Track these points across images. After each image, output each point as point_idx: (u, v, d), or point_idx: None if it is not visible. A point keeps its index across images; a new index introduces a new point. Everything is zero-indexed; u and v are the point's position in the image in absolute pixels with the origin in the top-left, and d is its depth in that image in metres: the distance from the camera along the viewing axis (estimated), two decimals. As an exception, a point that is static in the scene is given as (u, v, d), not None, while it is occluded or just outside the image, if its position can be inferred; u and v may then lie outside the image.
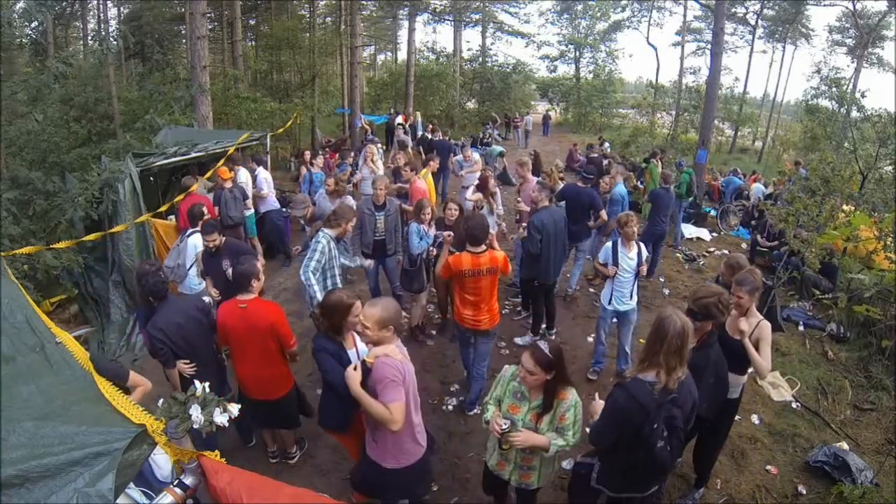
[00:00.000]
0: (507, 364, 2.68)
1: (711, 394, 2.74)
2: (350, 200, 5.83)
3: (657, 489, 2.64)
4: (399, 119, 15.66)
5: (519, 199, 6.18)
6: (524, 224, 5.24)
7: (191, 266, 4.63)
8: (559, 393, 2.40)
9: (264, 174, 7.01)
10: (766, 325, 2.96)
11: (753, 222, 8.90)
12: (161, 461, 2.20)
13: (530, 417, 2.43)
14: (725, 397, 2.96)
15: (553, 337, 5.31)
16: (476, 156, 8.10)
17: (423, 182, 6.41)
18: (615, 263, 4.31)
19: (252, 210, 6.75)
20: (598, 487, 2.55)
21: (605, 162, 12.17)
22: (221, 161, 6.45)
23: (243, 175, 6.70)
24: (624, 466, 2.38)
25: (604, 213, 5.87)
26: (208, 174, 6.02)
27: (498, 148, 13.11)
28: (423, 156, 12.03)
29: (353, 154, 9.86)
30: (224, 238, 4.34)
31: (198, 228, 4.60)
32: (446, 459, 3.70)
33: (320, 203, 5.62)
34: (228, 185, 6.03)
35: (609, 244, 4.43)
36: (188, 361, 3.15)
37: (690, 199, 8.89)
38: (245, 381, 3.25)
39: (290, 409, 3.41)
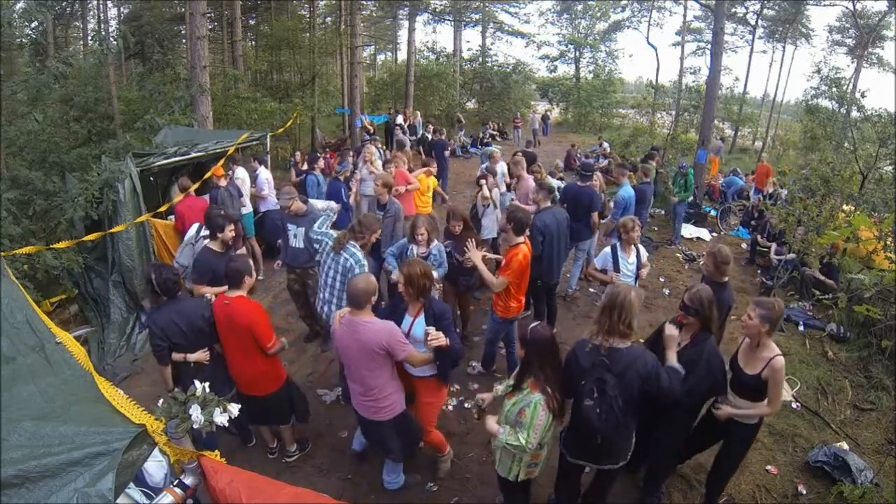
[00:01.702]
0: (505, 363, 2.77)
1: (703, 386, 2.79)
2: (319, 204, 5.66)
3: (619, 469, 2.71)
4: (400, 119, 15.66)
5: (513, 197, 6.17)
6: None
7: None
8: (531, 383, 2.48)
9: (265, 174, 7.00)
10: (779, 365, 2.74)
11: (753, 222, 8.90)
12: (152, 468, 2.20)
13: (507, 392, 2.65)
14: (720, 392, 2.96)
15: None
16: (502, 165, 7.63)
17: (408, 173, 6.38)
18: (616, 269, 4.25)
19: (251, 209, 6.75)
20: (562, 450, 2.76)
21: (606, 161, 12.20)
22: (221, 161, 6.45)
23: (241, 172, 6.70)
24: (574, 426, 2.62)
25: (595, 216, 5.88)
26: (195, 185, 5.97)
27: (492, 149, 13.11)
28: (423, 156, 12.08)
29: (352, 154, 9.86)
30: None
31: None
32: (446, 459, 3.70)
33: (312, 204, 5.42)
34: (223, 183, 6.02)
35: (608, 250, 4.35)
36: (206, 350, 3.22)
37: (689, 198, 8.89)
38: (234, 376, 3.30)
39: (279, 406, 3.41)
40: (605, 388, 2.37)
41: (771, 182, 10.24)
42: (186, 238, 4.73)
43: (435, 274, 4.03)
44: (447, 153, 11.60)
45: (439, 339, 2.80)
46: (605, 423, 2.40)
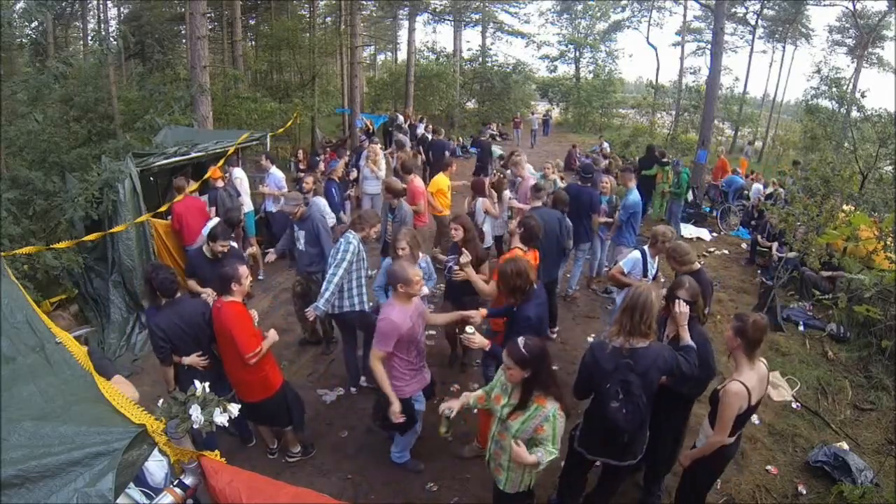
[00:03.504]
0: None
1: (703, 372, 2.79)
2: (321, 200, 5.64)
3: (636, 465, 2.73)
4: (400, 119, 15.66)
5: (512, 196, 6.16)
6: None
7: None
8: (537, 397, 2.33)
9: (279, 172, 7.00)
10: (730, 388, 2.52)
11: (753, 222, 8.90)
12: (153, 468, 2.20)
13: (507, 412, 2.43)
14: (713, 375, 2.97)
15: (553, 336, 5.30)
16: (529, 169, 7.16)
17: (421, 182, 6.33)
18: (644, 274, 4.20)
19: (251, 208, 6.75)
20: (578, 450, 2.73)
21: (606, 162, 12.18)
22: (220, 162, 6.45)
23: (238, 172, 6.72)
24: (596, 426, 2.60)
25: (596, 217, 5.86)
26: (195, 186, 5.98)
27: (498, 150, 13.12)
28: (423, 156, 12.05)
29: (348, 153, 9.84)
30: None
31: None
32: (446, 459, 3.70)
33: (311, 206, 5.42)
34: (220, 184, 6.02)
35: (637, 255, 4.26)
36: (202, 354, 3.22)
37: (688, 197, 8.89)
38: (230, 380, 3.29)
39: (270, 413, 3.37)
40: (630, 388, 2.37)
41: (772, 182, 10.25)
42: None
43: (424, 289, 3.72)
44: (447, 154, 11.57)
45: (472, 340, 2.85)
46: (631, 423, 2.41)
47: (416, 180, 6.19)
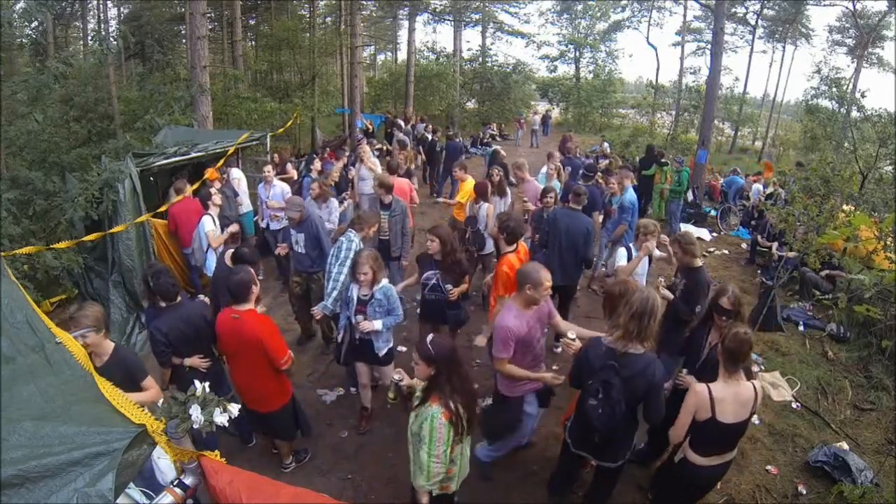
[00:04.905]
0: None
1: None
2: (334, 203, 5.66)
3: (617, 469, 2.73)
4: (401, 120, 15.70)
5: (525, 199, 6.11)
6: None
7: (207, 249, 4.71)
8: (435, 396, 2.31)
9: (286, 186, 6.98)
10: (691, 388, 2.58)
11: (753, 222, 8.91)
12: (164, 466, 2.19)
13: (415, 404, 2.46)
14: None
15: (557, 347, 5.02)
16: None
17: (407, 181, 6.27)
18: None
19: (250, 208, 6.75)
20: (567, 440, 2.80)
21: (606, 162, 12.17)
22: (221, 162, 6.45)
23: (236, 173, 6.72)
24: (579, 419, 2.65)
25: (597, 216, 5.83)
26: (194, 186, 5.97)
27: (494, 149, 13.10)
28: (423, 156, 12.05)
29: (347, 154, 9.82)
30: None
31: (210, 212, 5.04)
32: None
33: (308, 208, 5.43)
34: (217, 185, 6.01)
35: (622, 252, 4.31)
36: (202, 356, 3.21)
37: (685, 195, 8.89)
38: (239, 390, 3.23)
39: (283, 423, 3.34)
40: (610, 391, 2.39)
41: (772, 182, 10.25)
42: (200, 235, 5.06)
43: (377, 324, 3.41)
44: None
45: (572, 346, 2.84)
46: (604, 425, 2.43)
47: (395, 180, 6.19)
